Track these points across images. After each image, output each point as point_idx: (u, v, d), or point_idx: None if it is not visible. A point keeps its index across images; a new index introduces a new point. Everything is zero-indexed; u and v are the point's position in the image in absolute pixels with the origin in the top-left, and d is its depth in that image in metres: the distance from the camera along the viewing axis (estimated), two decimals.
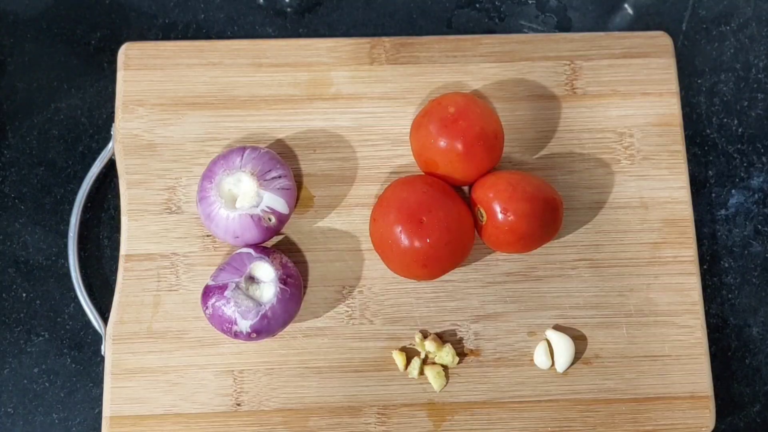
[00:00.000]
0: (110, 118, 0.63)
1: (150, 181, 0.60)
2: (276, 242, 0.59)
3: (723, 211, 0.64)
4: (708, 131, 0.65)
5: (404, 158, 0.61)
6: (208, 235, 0.59)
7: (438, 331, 0.58)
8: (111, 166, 0.62)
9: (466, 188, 0.60)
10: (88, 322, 0.59)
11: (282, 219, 0.56)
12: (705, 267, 0.62)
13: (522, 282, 0.59)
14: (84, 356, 0.60)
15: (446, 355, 0.57)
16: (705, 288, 0.61)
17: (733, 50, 0.67)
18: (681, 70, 0.64)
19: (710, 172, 0.64)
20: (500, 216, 0.54)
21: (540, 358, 0.58)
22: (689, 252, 0.60)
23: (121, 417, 0.56)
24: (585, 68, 0.63)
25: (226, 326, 0.53)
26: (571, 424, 0.57)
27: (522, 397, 0.57)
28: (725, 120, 0.65)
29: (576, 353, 0.58)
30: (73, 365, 0.60)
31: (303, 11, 0.67)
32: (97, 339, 0.60)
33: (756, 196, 0.64)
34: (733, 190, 0.64)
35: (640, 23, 0.67)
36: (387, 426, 0.57)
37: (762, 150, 0.65)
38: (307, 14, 0.67)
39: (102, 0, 0.66)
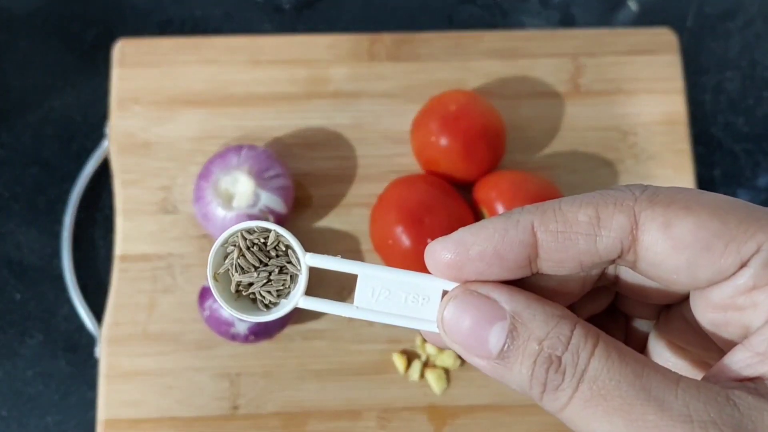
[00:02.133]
0: (105, 117, 0.62)
1: (145, 180, 0.59)
2: None
3: None
4: (713, 130, 0.64)
5: (405, 157, 0.60)
6: (204, 236, 0.58)
7: None
8: (106, 166, 0.61)
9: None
10: (83, 324, 0.59)
11: (280, 219, 0.55)
12: None
13: None
14: (78, 359, 0.59)
15: (447, 357, 0.56)
16: None
17: (738, 47, 0.66)
18: (686, 67, 0.63)
19: (716, 171, 0.64)
20: None
21: None
22: None
23: (116, 420, 0.55)
24: (588, 65, 0.62)
25: (223, 328, 0.53)
26: None
27: (524, 401, 0.56)
28: (731, 118, 0.65)
29: None
30: (68, 368, 0.59)
31: (301, 7, 0.66)
32: (92, 341, 0.59)
33: (762, 195, 0.63)
34: (739, 190, 0.63)
35: (644, 19, 0.66)
36: (387, 430, 0.56)
37: None
38: (305, 10, 0.66)
39: None
